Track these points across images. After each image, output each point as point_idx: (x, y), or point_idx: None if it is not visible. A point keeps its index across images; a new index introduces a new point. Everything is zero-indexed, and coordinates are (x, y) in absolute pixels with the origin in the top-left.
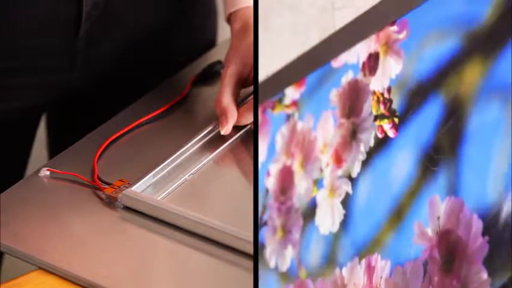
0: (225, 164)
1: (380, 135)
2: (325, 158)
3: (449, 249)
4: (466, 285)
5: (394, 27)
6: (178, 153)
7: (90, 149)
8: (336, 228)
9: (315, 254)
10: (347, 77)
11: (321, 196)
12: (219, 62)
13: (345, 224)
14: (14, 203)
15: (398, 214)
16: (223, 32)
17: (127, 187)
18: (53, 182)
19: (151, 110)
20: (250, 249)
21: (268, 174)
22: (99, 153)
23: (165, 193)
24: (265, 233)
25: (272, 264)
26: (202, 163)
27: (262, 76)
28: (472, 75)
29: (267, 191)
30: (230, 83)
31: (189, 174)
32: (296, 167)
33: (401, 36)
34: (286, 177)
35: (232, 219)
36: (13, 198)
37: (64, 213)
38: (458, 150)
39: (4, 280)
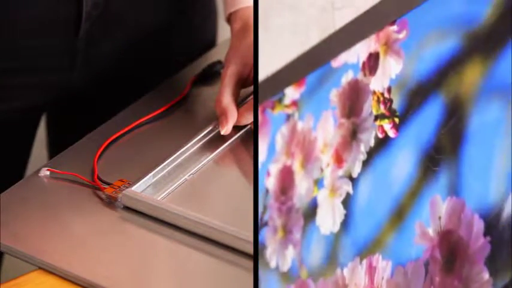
0: (225, 164)
1: (380, 135)
2: (326, 158)
3: (450, 249)
4: (467, 285)
5: (394, 27)
6: (178, 153)
7: (90, 149)
8: (336, 228)
9: (316, 254)
10: (347, 77)
11: (322, 196)
12: (219, 62)
13: (345, 224)
14: (14, 203)
15: (400, 214)
16: (223, 32)
17: (127, 187)
18: (53, 182)
19: (151, 110)
20: (250, 249)
21: (268, 174)
22: (99, 153)
23: (165, 193)
24: (265, 233)
25: (273, 264)
26: (202, 163)
27: (262, 76)
28: (472, 75)
29: (267, 191)
30: (230, 83)
31: (189, 174)
32: (296, 167)
33: (401, 36)
34: (287, 177)
35: (232, 219)
36: (13, 198)
37: (64, 213)
38: (459, 150)
39: (4, 280)
